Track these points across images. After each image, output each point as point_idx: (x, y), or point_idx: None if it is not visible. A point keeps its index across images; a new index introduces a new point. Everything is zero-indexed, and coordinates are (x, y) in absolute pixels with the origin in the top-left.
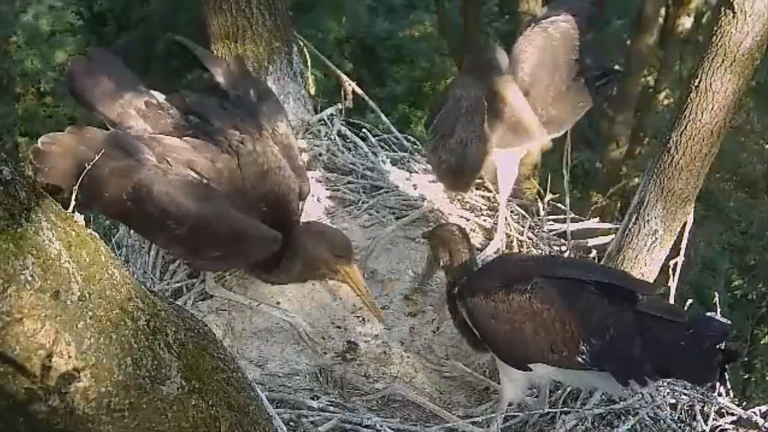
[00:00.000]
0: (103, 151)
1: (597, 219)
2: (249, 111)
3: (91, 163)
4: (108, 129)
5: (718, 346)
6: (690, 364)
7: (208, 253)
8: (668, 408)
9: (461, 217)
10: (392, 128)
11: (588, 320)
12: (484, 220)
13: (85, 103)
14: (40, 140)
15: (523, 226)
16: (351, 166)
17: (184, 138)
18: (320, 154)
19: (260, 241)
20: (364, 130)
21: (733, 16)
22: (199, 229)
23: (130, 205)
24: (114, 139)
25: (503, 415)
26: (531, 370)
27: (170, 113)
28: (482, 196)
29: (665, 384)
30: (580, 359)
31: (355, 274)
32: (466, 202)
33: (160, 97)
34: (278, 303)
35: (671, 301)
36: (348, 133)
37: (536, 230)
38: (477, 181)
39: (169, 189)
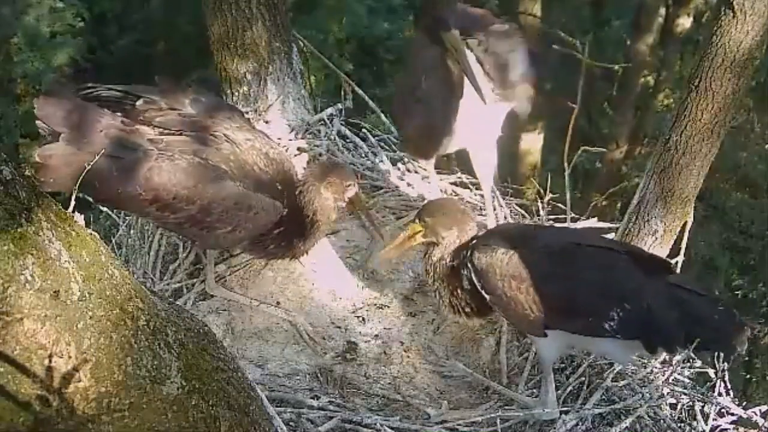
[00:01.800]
0: (103, 151)
1: (597, 219)
2: (211, 112)
3: (91, 163)
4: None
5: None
6: (725, 336)
7: (219, 228)
8: (668, 408)
9: None
10: (392, 128)
11: (622, 287)
12: (483, 220)
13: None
14: (37, 154)
15: None
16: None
17: (185, 134)
18: (320, 154)
19: (264, 209)
20: (364, 130)
21: (733, 16)
22: (209, 205)
23: (143, 195)
24: (114, 140)
25: (552, 381)
26: (546, 336)
27: (148, 126)
28: (481, 195)
29: (665, 384)
30: (606, 326)
31: (359, 198)
32: (466, 201)
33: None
34: (278, 302)
35: None
36: (348, 133)
37: None
38: (475, 180)
39: (178, 172)
